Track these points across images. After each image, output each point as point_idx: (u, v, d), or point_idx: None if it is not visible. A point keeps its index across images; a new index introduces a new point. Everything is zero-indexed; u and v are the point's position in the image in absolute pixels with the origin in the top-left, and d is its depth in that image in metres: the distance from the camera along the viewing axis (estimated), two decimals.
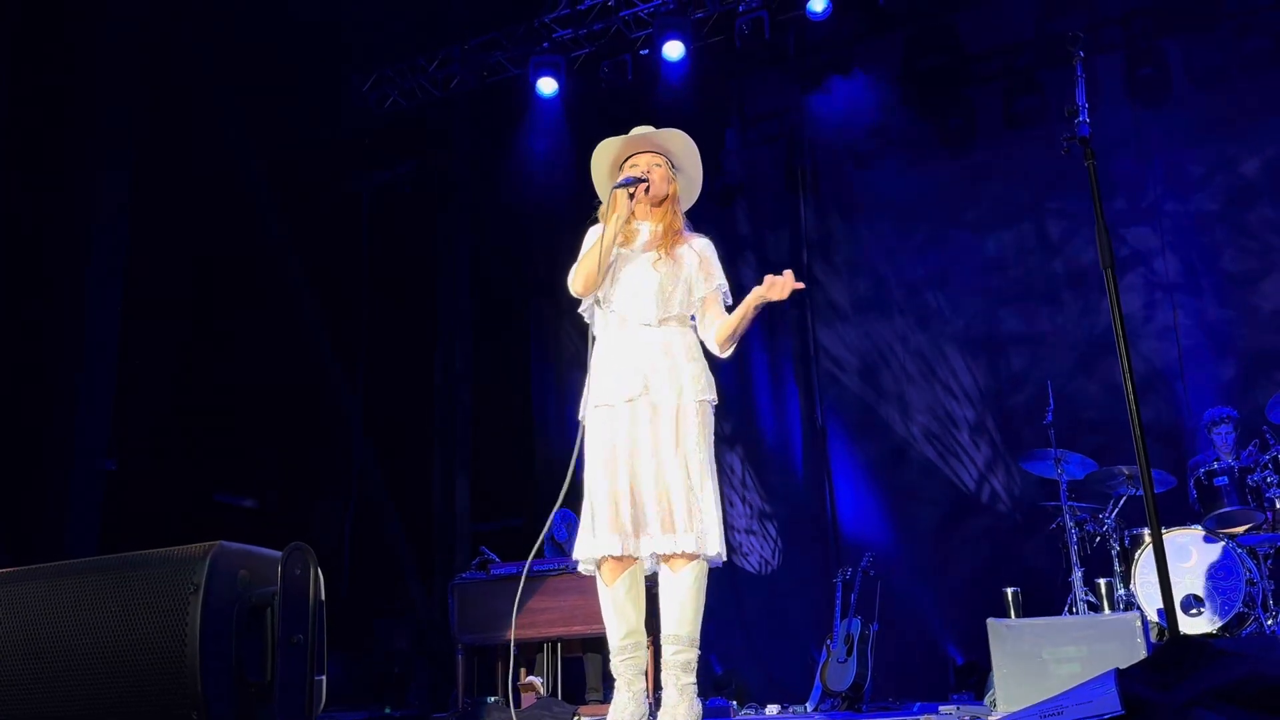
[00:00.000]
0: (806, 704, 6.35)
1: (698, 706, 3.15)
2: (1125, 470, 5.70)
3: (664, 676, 3.17)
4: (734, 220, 8.66)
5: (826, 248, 8.36)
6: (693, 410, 3.26)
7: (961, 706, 5.05)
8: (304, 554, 2.52)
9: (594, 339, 3.48)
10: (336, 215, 9.09)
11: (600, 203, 3.54)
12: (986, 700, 4.73)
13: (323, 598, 2.55)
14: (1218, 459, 5.69)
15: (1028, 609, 5.87)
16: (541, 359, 9.03)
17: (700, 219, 9.30)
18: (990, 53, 7.56)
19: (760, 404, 8.39)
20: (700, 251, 3.47)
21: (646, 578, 3.36)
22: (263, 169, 8.31)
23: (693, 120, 8.08)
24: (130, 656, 2.38)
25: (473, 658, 6.16)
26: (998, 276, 7.74)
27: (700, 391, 3.30)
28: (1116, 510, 5.77)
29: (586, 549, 3.27)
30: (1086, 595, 5.55)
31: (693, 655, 3.17)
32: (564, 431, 8.83)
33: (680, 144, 3.50)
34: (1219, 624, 5.20)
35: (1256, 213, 7.07)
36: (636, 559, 3.25)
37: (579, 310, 3.55)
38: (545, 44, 7.97)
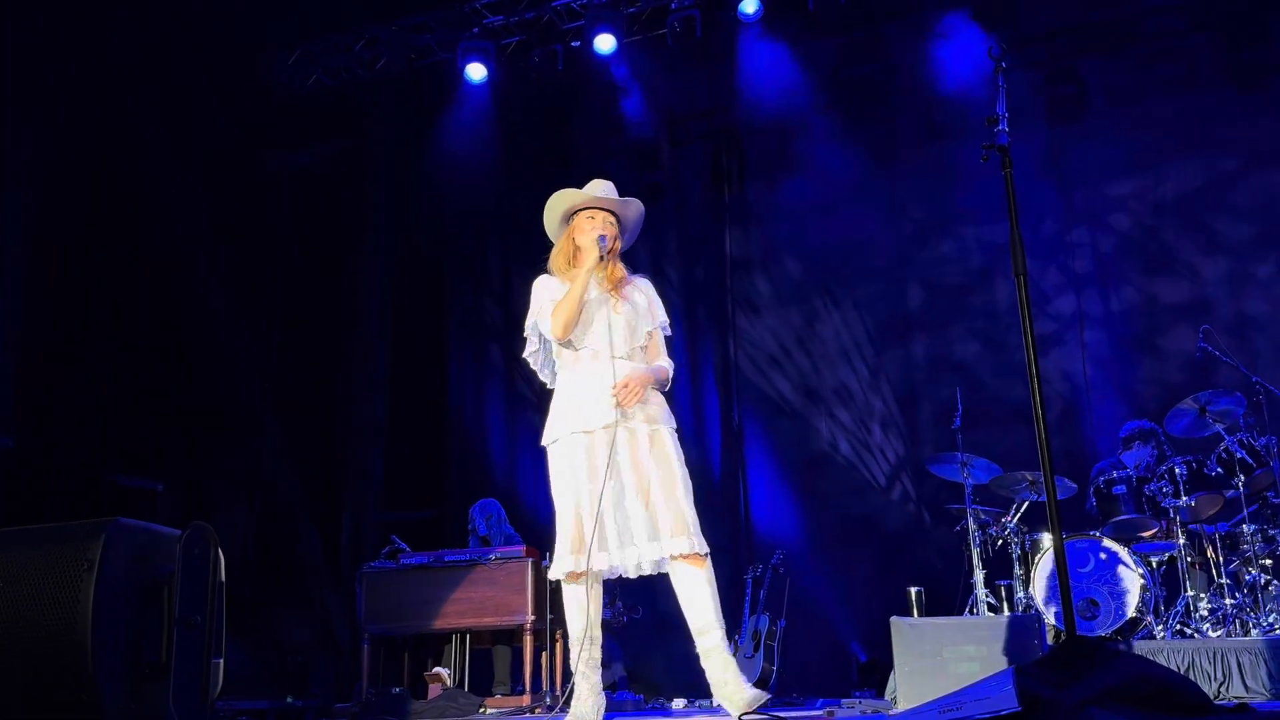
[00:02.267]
0: (711, 698, 6.38)
1: (742, 677, 3.49)
2: (1028, 476, 5.84)
3: (704, 664, 3.50)
4: (661, 216, 8.67)
5: (750, 248, 8.43)
6: (667, 435, 3.61)
7: (863, 702, 5.13)
8: (205, 534, 2.45)
9: (551, 375, 3.78)
10: (252, 196, 8.85)
11: (549, 253, 3.87)
12: (887, 696, 4.82)
13: (223, 579, 2.49)
14: (1118, 468, 5.87)
15: (931, 609, 5.99)
16: (460, 348, 8.94)
17: None
18: (916, 65, 7.67)
19: (680, 404, 8.43)
20: (646, 291, 3.84)
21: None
22: (171, 145, 8.03)
23: (621, 113, 8.11)
24: (20, 633, 2.30)
25: (379, 648, 6.08)
26: (917, 282, 7.89)
27: (668, 419, 3.66)
28: (1018, 514, 5.92)
29: (568, 565, 3.53)
30: (987, 597, 5.69)
31: (719, 635, 3.49)
32: (481, 421, 8.76)
33: (634, 214, 3.84)
34: (1114, 628, 5.37)
35: (1166, 231, 7.32)
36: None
37: (525, 355, 3.81)
38: (475, 29, 7.88)
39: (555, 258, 3.85)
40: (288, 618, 7.90)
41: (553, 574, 3.61)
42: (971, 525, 5.91)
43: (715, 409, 8.32)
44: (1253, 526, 5.35)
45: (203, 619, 2.37)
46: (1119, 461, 6.01)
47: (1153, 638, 5.25)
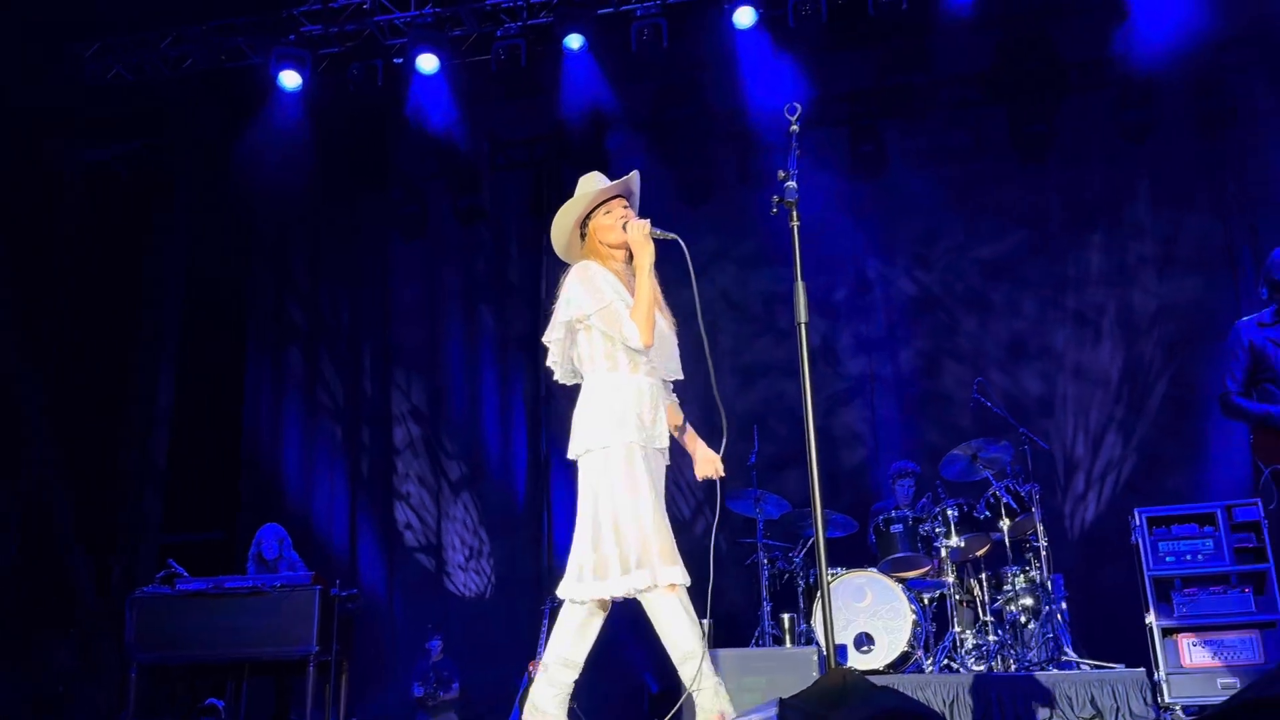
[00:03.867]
0: None
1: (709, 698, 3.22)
2: None
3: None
4: (477, 242, 8.62)
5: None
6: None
7: None
8: None
9: (568, 373, 3.40)
10: (35, 189, 8.26)
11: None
12: None
13: None
14: (896, 507, 6.19)
15: (729, 640, 6.13)
16: (257, 363, 8.59)
17: (444, 239, 9.20)
18: (731, 112, 7.91)
19: (488, 433, 8.37)
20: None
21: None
22: None
23: (442, 134, 8.03)
24: None
25: (149, 678, 5.74)
26: (728, 323, 8.11)
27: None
28: (805, 550, 6.15)
29: (637, 581, 3.21)
30: (772, 629, 5.87)
31: (690, 666, 3.22)
32: (278, 435, 8.43)
33: (637, 186, 3.49)
34: (887, 661, 5.63)
35: (950, 290, 7.79)
36: None
37: (548, 342, 3.37)
38: (292, 36, 7.65)
39: (591, 257, 3.39)
40: (54, 645, 7.35)
41: (592, 594, 3.23)
42: (762, 559, 6.11)
43: (523, 439, 8.29)
44: (1015, 567, 5.74)
45: None
46: (895, 502, 6.35)
47: (922, 671, 5.53)
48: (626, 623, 7.34)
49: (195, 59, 7.84)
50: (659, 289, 3.39)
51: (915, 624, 5.63)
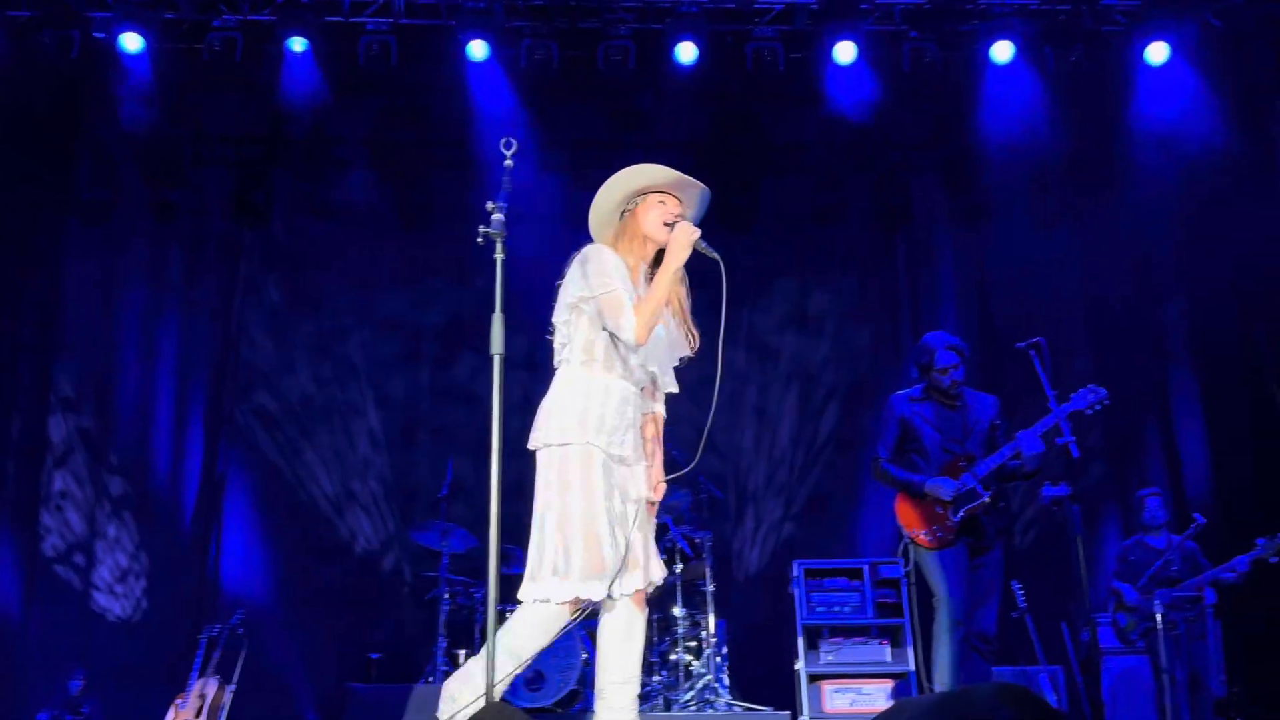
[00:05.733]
0: None
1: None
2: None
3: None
4: (166, 240, 8.03)
5: (261, 293, 8.05)
6: None
7: None
8: None
9: (568, 361, 3.20)
10: None
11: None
12: None
13: None
14: None
15: (399, 675, 5.98)
16: None
17: (132, 229, 8.47)
18: (458, 142, 7.81)
19: (160, 443, 7.77)
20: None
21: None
22: None
23: (140, 118, 7.43)
24: None
25: None
26: (425, 351, 8.01)
27: None
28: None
29: (590, 590, 3.02)
30: (445, 665, 5.79)
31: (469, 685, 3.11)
32: None
33: (702, 210, 3.35)
34: (556, 699, 5.70)
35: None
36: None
37: (557, 323, 3.20)
38: None
39: (606, 235, 3.29)
40: None
41: (568, 595, 3.02)
42: (444, 594, 6.03)
43: (199, 453, 7.76)
44: (683, 610, 5.99)
45: None
46: None
47: (589, 710, 5.63)
48: (301, 661, 7.07)
49: None
50: (687, 299, 3.30)
51: (586, 662, 5.73)
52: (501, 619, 3.05)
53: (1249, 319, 7.33)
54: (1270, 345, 7.16)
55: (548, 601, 3.04)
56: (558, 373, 3.22)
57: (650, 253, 3.26)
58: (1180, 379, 7.86)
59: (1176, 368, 7.88)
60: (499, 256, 3.12)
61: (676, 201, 3.27)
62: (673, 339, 3.26)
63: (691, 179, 3.28)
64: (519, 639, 3.12)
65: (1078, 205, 8.00)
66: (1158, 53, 7.11)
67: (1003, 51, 7.17)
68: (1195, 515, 6.01)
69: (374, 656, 5.76)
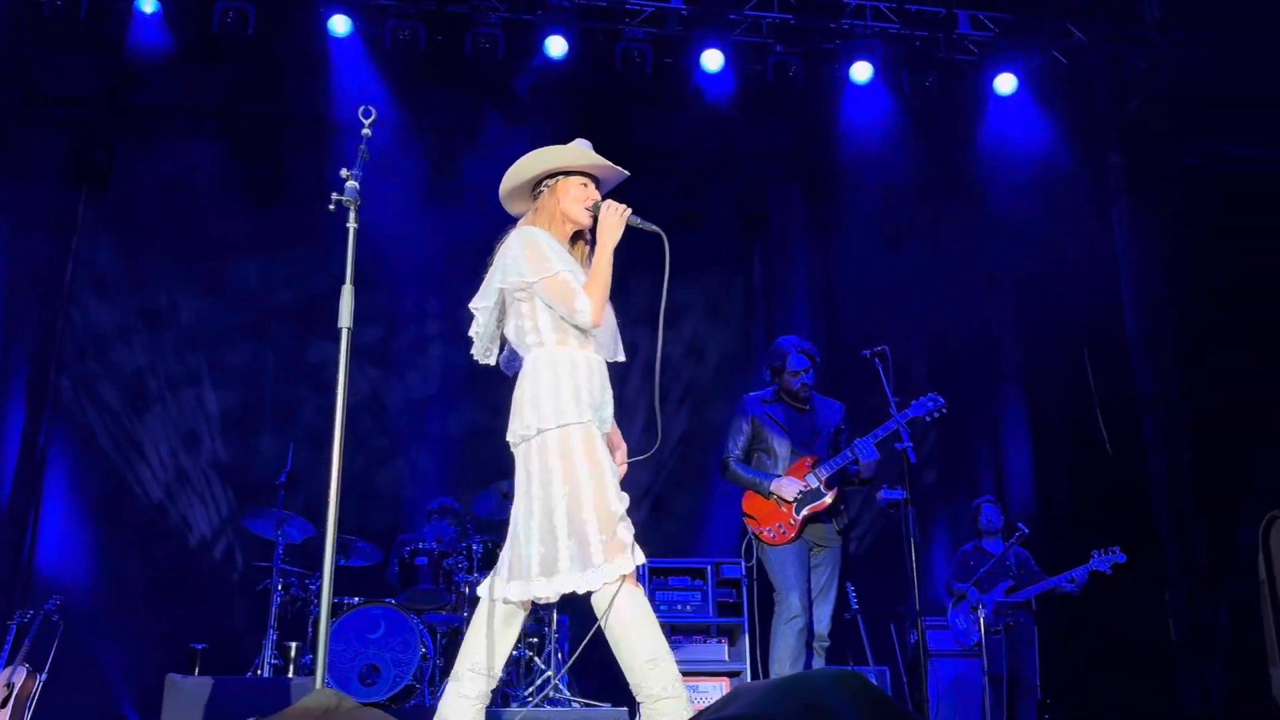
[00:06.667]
0: None
1: None
2: (346, 538, 5.91)
3: None
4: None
5: (101, 264, 7.60)
6: None
7: None
8: None
9: (486, 351, 3.24)
10: None
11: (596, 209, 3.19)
12: None
13: None
14: (422, 540, 6.17)
15: (229, 667, 5.73)
16: None
17: None
18: (314, 119, 7.57)
19: None
20: None
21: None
22: None
23: None
24: None
25: None
26: (272, 330, 7.71)
27: None
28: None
29: (621, 566, 2.88)
30: (274, 658, 5.59)
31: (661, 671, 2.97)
32: None
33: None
34: (391, 694, 5.56)
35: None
36: None
37: (474, 308, 3.21)
38: None
39: (515, 206, 3.31)
40: None
41: (540, 592, 2.90)
42: (277, 584, 5.81)
43: (19, 424, 7.26)
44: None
45: None
46: (421, 534, 6.34)
47: (423, 705, 5.53)
48: (119, 651, 6.69)
49: None
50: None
51: (424, 657, 5.63)
52: (336, 611, 2.97)
53: (1078, 346, 7.78)
54: (1096, 373, 7.61)
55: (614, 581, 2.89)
56: (528, 358, 3.12)
57: (568, 232, 3.25)
58: (1011, 398, 8.28)
59: (1009, 386, 8.29)
60: (352, 225, 3.04)
61: (595, 187, 3.30)
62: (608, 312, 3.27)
63: (620, 169, 3.34)
64: (493, 652, 3.05)
65: (926, 224, 8.34)
66: (1006, 83, 7.48)
67: (862, 72, 7.41)
68: (1020, 525, 6.32)
69: (198, 647, 5.49)
